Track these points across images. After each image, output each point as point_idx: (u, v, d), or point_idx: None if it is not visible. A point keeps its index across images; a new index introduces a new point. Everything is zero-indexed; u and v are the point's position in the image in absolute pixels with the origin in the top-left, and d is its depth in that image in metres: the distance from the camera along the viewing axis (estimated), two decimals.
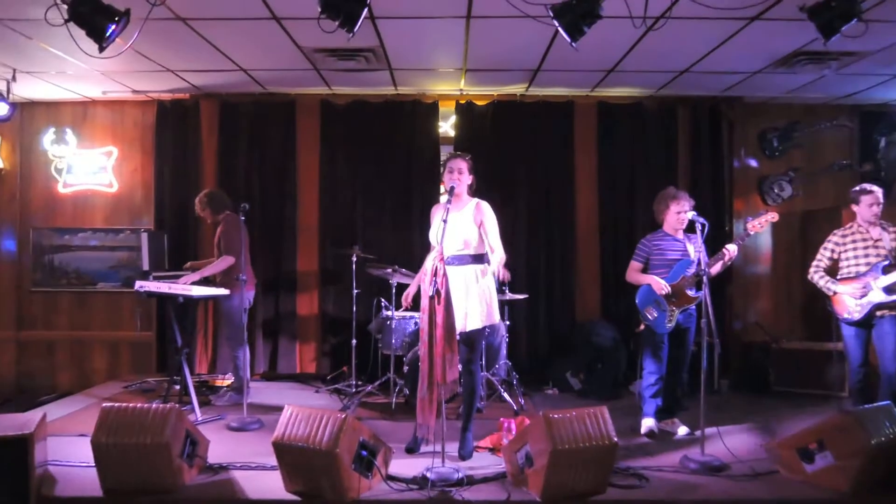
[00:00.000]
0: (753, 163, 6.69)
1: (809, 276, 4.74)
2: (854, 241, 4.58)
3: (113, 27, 3.55)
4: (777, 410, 5.26)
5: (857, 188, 4.62)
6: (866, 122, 6.62)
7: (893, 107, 6.00)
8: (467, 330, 3.88)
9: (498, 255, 3.96)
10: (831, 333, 6.00)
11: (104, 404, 3.45)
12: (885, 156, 6.61)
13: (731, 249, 4.35)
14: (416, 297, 4.11)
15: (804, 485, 3.51)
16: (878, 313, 4.43)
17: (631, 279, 4.67)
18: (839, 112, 6.62)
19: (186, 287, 4.83)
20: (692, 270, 4.40)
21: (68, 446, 3.99)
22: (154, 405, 3.44)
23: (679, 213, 4.52)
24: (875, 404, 3.72)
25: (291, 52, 5.19)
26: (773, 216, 4.32)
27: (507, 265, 5.75)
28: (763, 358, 6.12)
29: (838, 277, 4.61)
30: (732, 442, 4.08)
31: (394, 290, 5.42)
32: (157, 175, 6.61)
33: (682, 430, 4.56)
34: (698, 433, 3.97)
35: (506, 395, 5.26)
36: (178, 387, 5.10)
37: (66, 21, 3.53)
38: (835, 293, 4.58)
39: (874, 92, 6.12)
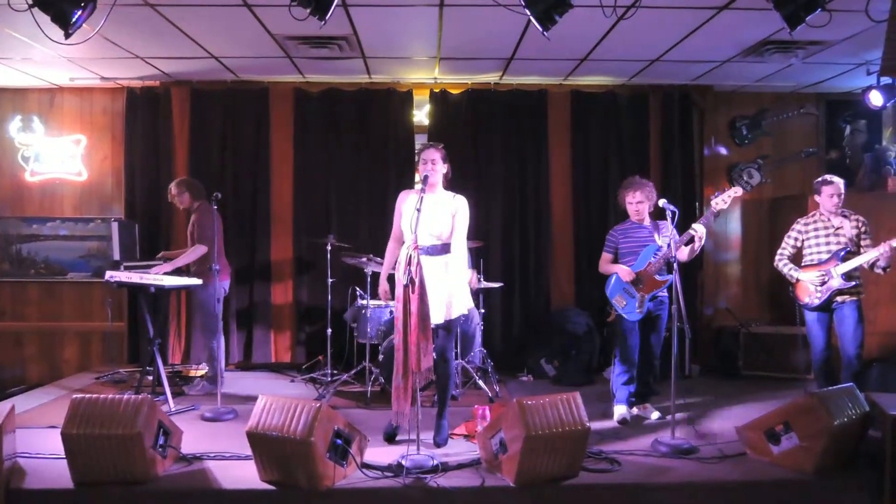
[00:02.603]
0: (723, 150, 6.79)
1: (775, 264, 4.85)
2: (816, 230, 4.68)
3: (79, 13, 3.47)
4: (746, 394, 5.38)
5: (819, 179, 4.71)
6: (832, 110, 6.75)
7: (858, 95, 6.10)
8: (442, 319, 3.90)
9: (460, 255, 4.01)
10: (798, 318, 6.16)
11: (75, 395, 3.41)
12: (850, 143, 6.76)
13: (698, 229, 4.34)
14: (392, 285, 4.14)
15: (770, 465, 3.60)
16: (839, 299, 4.54)
17: (603, 270, 4.75)
18: (806, 100, 6.74)
19: (158, 277, 4.78)
20: (659, 255, 4.46)
21: (38, 438, 3.94)
22: (126, 396, 3.41)
23: (631, 203, 4.61)
24: (838, 386, 3.82)
25: (263, 40, 5.13)
26: (736, 190, 4.36)
27: (482, 253, 5.83)
28: (733, 343, 6.24)
29: (802, 265, 4.72)
30: (702, 425, 4.18)
31: (369, 279, 5.43)
32: (127, 164, 6.50)
33: (655, 415, 4.64)
34: (669, 417, 4.04)
35: (481, 383, 5.31)
36: (150, 377, 5.06)
37: (31, 6, 3.44)
38: (797, 280, 4.69)
39: (839, 81, 6.23)
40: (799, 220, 4.83)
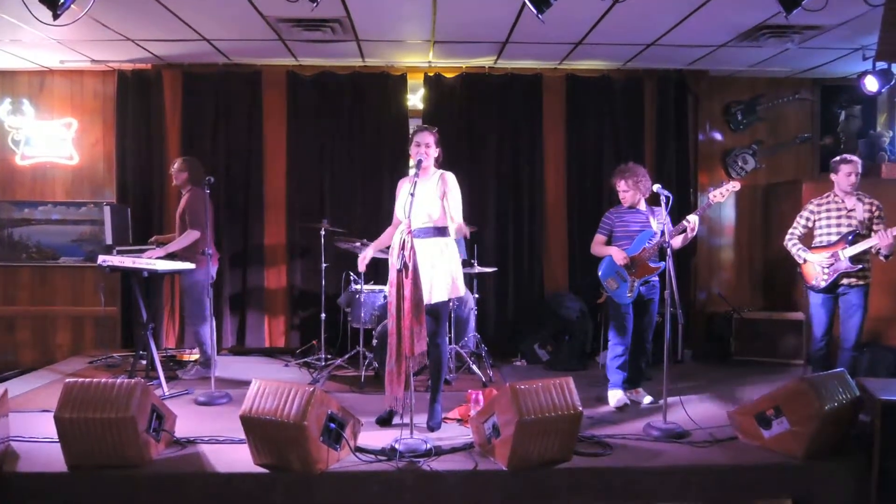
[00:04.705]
0: (718, 136, 6.79)
1: (784, 243, 4.83)
2: (828, 211, 4.66)
3: None
4: (737, 379, 5.40)
5: (838, 158, 4.69)
6: (827, 95, 6.75)
7: (853, 80, 6.10)
8: (433, 302, 3.90)
9: (456, 222, 3.97)
10: (790, 303, 6.20)
11: (68, 379, 3.40)
12: (844, 129, 6.75)
13: (692, 221, 4.37)
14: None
15: (761, 450, 3.62)
16: (846, 282, 4.54)
17: (595, 251, 4.73)
18: (801, 86, 6.73)
19: (150, 261, 4.77)
20: (653, 242, 4.46)
21: (31, 422, 3.94)
22: (119, 380, 3.41)
23: (618, 191, 4.62)
24: (828, 371, 3.84)
25: (256, 22, 5.08)
26: (734, 185, 4.36)
27: (475, 237, 5.82)
28: (725, 328, 6.27)
29: (812, 246, 4.70)
30: (694, 410, 4.19)
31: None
32: (118, 147, 6.45)
33: (647, 400, 4.66)
34: (661, 402, 4.07)
35: (475, 368, 5.32)
36: (144, 362, 5.06)
37: None
38: (805, 261, 4.68)
39: (835, 66, 6.22)
40: (812, 200, 4.79)
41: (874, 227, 4.51)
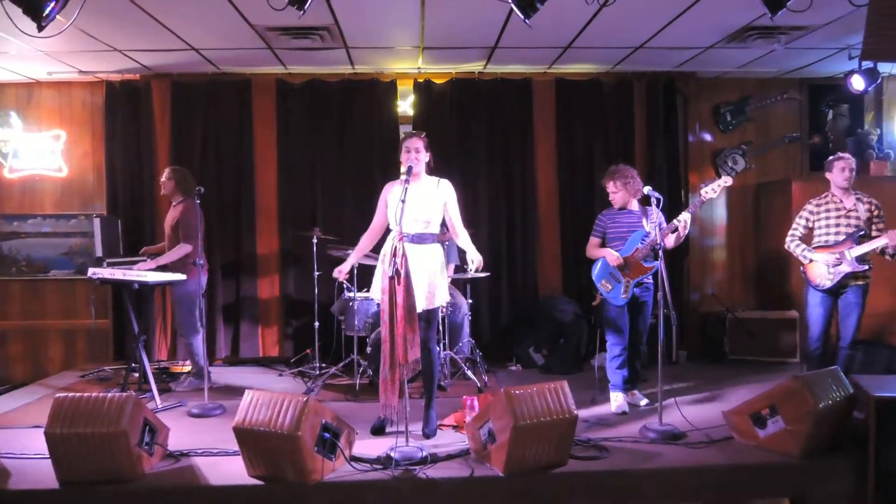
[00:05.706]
0: (708, 137, 6.81)
1: (786, 245, 4.80)
2: (827, 211, 4.65)
3: (52, 4, 3.38)
4: (732, 379, 5.41)
5: (831, 157, 4.72)
6: (815, 95, 6.78)
7: (840, 80, 6.13)
8: (434, 306, 3.91)
9: (465, 237, 4.08)
10: (783, 302, 6.22)
11: (58, 394, 3.37)
12: (832, 128, 6.80)
13: (685, 219, 4.36)
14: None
15: (757, 449, 3.62)
16: (850, 282, 4.53)
17: (590, 254, 4.73)
18: (789, 86, 6.76)
19: (141, 273, 4.73)
20: (646, 241, 4.46)
21: (22, 438, 3.90)
22: (110, 394, 3.38)
23: (608, 192, 4.64)
24: (822, 369, 3.85)
25: (244, 31, 5.07)
26: (726, 180, 4.36)
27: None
28: (719, 328, 6.27)
29: (812, 246, 4.69)
30: (689, 411, 4.19)
31: (355, 271, 5.39)
32: (108, 159, 6.41)
33: (643, 402, 4.66)
34: (657, 404, 4.06)
35: (469, 373, 5.31)
36: (136, 374, 5.02)
37: None
38: (810, 261, 4.64)
39: (822, 65, 6.25)
40: (811, 200, 4.78)
41: (874, 227, 4.51)
